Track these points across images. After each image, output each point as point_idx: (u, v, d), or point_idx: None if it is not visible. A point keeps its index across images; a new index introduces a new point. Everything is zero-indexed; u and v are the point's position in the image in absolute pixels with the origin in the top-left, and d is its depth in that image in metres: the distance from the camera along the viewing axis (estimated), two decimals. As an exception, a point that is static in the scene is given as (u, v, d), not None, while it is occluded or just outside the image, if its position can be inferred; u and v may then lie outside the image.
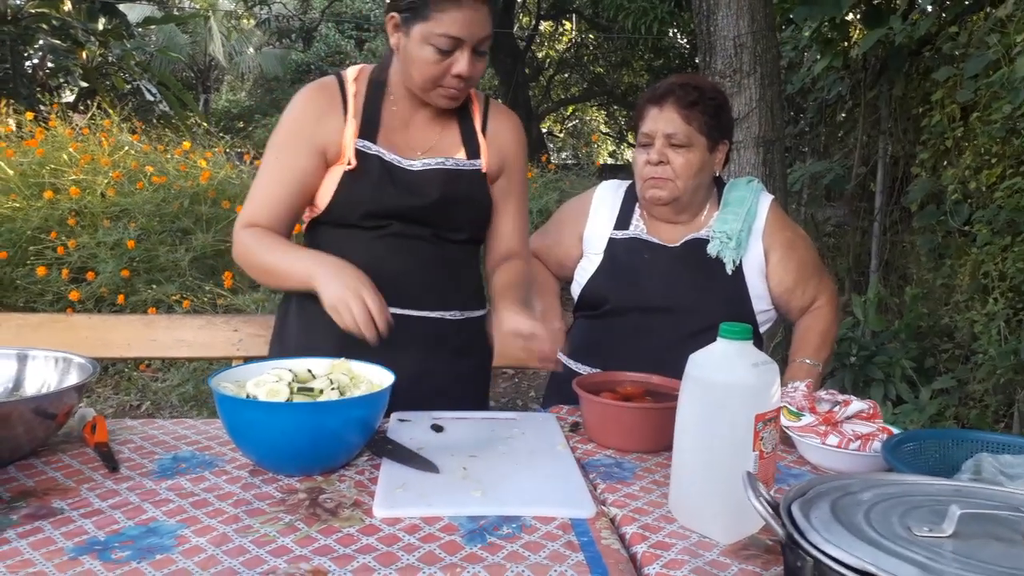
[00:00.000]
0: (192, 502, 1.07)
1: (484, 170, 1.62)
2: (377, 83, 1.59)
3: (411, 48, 1.46)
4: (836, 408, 1.36)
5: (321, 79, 1.61)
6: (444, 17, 1.40)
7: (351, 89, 1.57)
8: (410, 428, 1.38)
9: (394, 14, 1.47)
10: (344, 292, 1.35)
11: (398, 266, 1.56)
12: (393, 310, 1.44)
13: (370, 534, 0.99)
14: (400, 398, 1.36)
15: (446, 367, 1.60)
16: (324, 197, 1.56)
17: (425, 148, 1.59)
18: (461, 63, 1.45)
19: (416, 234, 1.56)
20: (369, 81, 1.59)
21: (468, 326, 1.66)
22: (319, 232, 1.62)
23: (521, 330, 1.38)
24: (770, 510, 0.82)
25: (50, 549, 0.92)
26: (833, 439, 1.28)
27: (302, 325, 1.61)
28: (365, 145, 1.54)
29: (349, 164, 1.53)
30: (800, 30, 5.46)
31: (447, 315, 1.61)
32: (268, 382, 1.22)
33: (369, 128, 1.55)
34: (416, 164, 1.57)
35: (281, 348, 1.66)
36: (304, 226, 1.67)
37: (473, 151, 1.62)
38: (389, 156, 1.55)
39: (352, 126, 1.55)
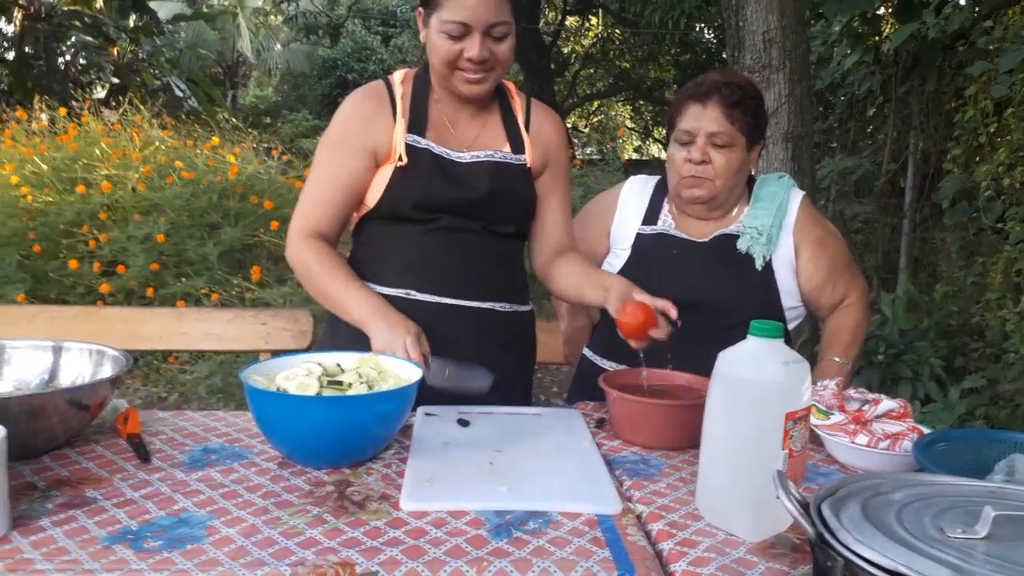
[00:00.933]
0: (222, 493, 1.09)
1: (529, 164, 1.65)
2: (422, 83, 1.63)
3: (431, 38, 1.52)
4: (866, 407, 1.34)
5: (370, 84, 1.66)
6: (451, 4, 1.46)
7: (399, 91, 1.61)
8: (436, 422, 1.39)
9: (420, 9, 1.54)
10: (387, 343, 1.44)
11: (449, 258, 1.60)
12: (444, 300, 1.56)
13: (397, 527, 1.00)
14: (469, 399, 1.42)
15: (494, 359, 1.61)
16: (374, 195, 1.59)
17: (471, 143, 1.63)
18: (472, 47, 1.48)
19: (465, 227, 1.59)
20: (414, 82, 1.64)
21: (516, 320, 1.68)
22: (369, 228, 1.65)
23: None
24: (800, 509, 0.81)
25: (84, 538, 0.94)
26: (862, 438, 1.27)
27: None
28: (415, 140, 1.58)
29: (400, 160, 1.56)
30: (830, 24, 5.39)
31: (496, 306, 1.63)
32: (298, 376, 1.24)
33: (417, 124, 1.60)
34: (465, 156, 1.60)
35: (334, 344, 1.68)
36: (353, 225, 1.70)
37: (518, 146, 1.65)
38: (438, 149, 1.59)
39: (402, 124, 1.58)
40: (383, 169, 1.59)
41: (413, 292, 1.58)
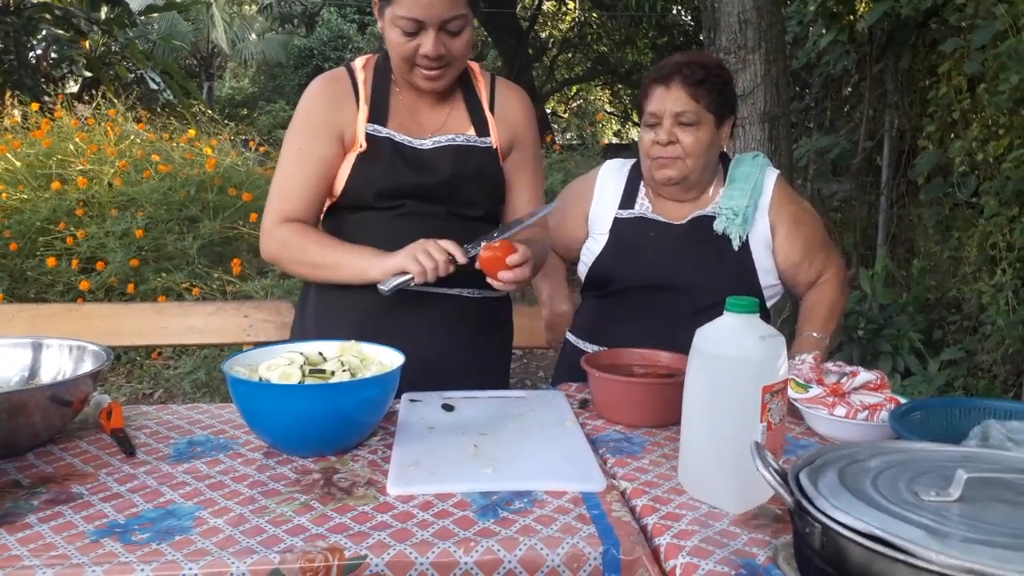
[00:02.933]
0: (208, 484, 1.09)
1: (495, 146, 1.64)
2: (383, 70, 1.62)
3: (386, 31, 1.50)
4: (843, 379, 1.36)
5: (330, 71, 1.65)
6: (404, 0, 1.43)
7: (360, 77, 1.60)
8: (421, 408, 1.40)
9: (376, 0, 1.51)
10: (414, 249, 1.44)
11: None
12: (411, 288, 1.51)
13: (384, 511, 1.01)
14: (421, 376, 1.41)
15: (466, 344, 1.61)
16: (339, 183, 1.59)
17: (435, 129, 1.62)
18: (426, 44, 1.46)
19: (431, 212, 1.58)
20: (375, 69, 1.62)
21: (488, 304, 1.67)
22: (336, 217, 1.65)
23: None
24: (778, 478, 0.83)
25: (71, 533, 0.94)
26: (841, 410, 1.29)
27: (322, 311, 1.63)
28: (375, 129, 1.57)
29: (361, 147, 1.56)
30: (805, 4, 5.41)
31: (465, 292, 1.62)
32: (280, 365, 1.24)
33: (379, 113, 1.59)
34: (427, 143, 1.59)
35: (302, 334, 1.68)
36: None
37: (483, 129, 1.64)
38: (400, 137, 1.58)
39: (364, 112, 1.58)
40: (347, 157, 1.58)
41: None
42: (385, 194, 1.56)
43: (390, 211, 1.58)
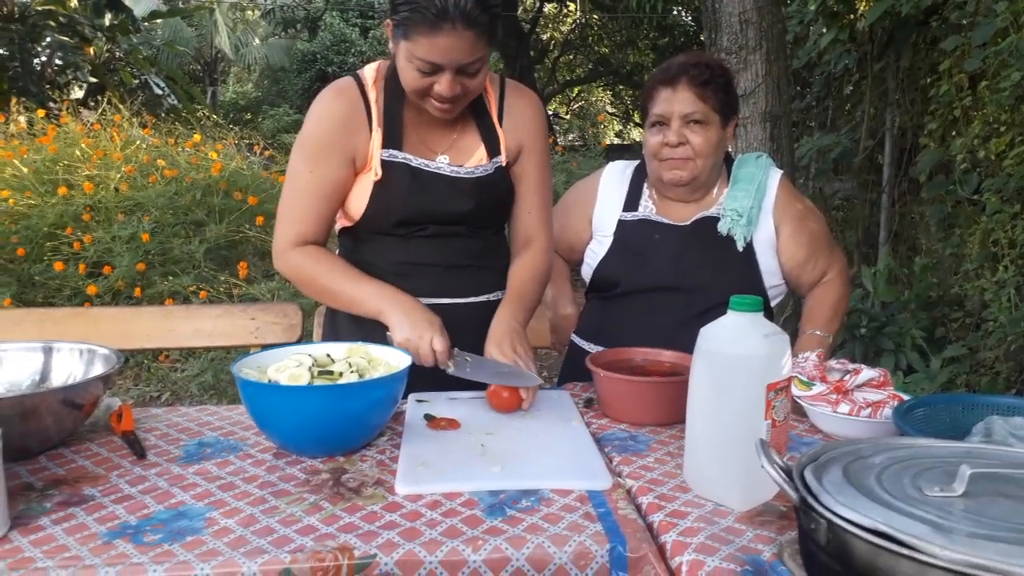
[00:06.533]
0: (219, 485, 1.10)
1: (504, 163, 1.62)
2: (394, 87, 1.55)
3: (399, 60, 1.45)
4: (847, 377, 1.37)
5: (339, 83, 1.58)
6: (423, 41, 1.37)
7: (372, 96, 1.55)
8: (428, 408, 1.41)
9: (390, 21, 1.45)
10: (413, 335, 1.43)
11: (435, 261, 1.59)
12: (438, 301, 1.55)
13: (393, 511, 1.02)
14: (428, 377, 1.43)
15: (471, 350, 1.61)
16: (357, 207, 1.57)
17: (446, 147, 1.59)
18: (442, 84, 1.42)
19: (451, 232, 1.59)
20: (386, 84, 1.56)
21: (492, 308, 1.63)
22: (354, 238, 1.64)
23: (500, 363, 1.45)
24: (783, 475, 0.84)
25: (84, 534, 0.96)
26: (844, 407, 1.30)
27: (353, 315, 1.60)
28: (391, 155, 1.54)
29: (376, 175, 1.53)
30: (805, 3, 5.42)
31: (470, 299, 1.64)
32: (289, 367, 1.25)
33: (393, 136, 1.55)
34: (444, 167, 1.57)
35: (334, 337, 1.68)
36: (337, 231, 1.68)
37: (493, 147, 1.61)
38: (416, 162, 1.55)
39: (378, 136, 1.54)
40: (363, 178, 1.55)
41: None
42: (405, 221, 1.56)
43: (411, 234, 1.58)
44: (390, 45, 1.50)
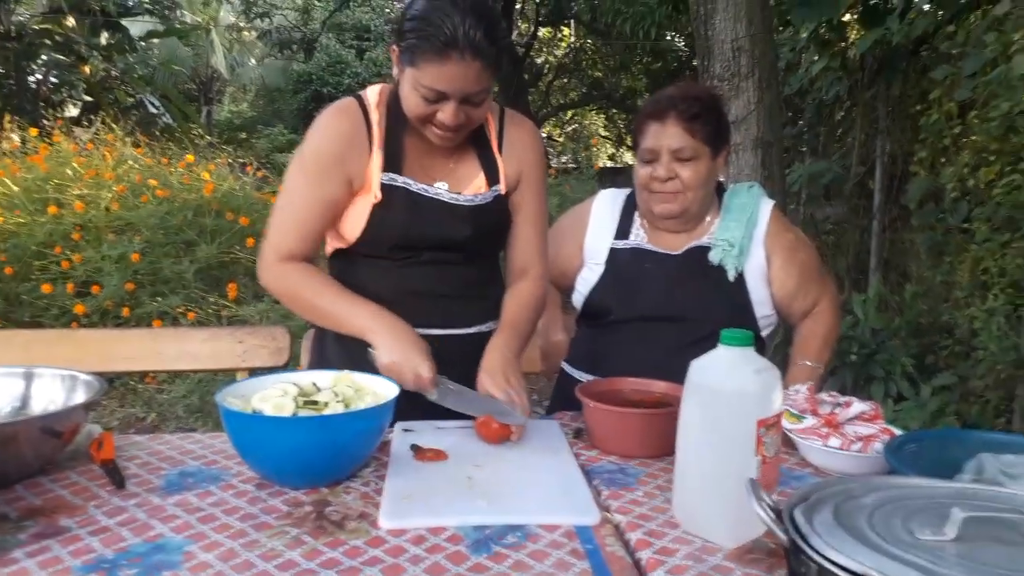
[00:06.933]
0: (199, 517, 1.08)
1: (503, 191, 1.61)
2: (396, 111, 1.54)
3: (404, 86, 1.45)
4: (837, 410, 1.36)
5: (342, 103, 1.57)
6: (430, 69, 1.38)
7: (374, 117, 1.54)
8: (415, 438, 1.39)
9: (395, 47, 1.45)
10: (400, 360, 1.41)
11: (430, 288, 1.57)
12: (431, 332, 1.51)
13: (376, 546, 1.00)
14: (416, 406, 1.41)
15: (460, 380, 1.59)
16: (354, 229, 1.55)
17: (446, 174, 1.59)
18: (445, 113, 1.43)
19: (447, 260, 1.58)
20: (388, 107, 1.56)
21: (482, 338, 1.60)
22: (347, 261, 1.62)
23: (493, 396, 1.42)
24: (773, 516, 0.82)
25: (58, 568, 0.93)
26: (835, 441, 1.29)
27: (341, 340, 1.59)
28: (391, 178, 1.53)
29: (375, 198, 1.52)
30: (798, 31, 5.48)
31: (484, 328, 1.62)
32: (273, 396, 1.23)
33: (393, 160, 1.54)
34: (443, 194, 1.56)
35: (321, 361, 1.66)
36: (328, 252, 1.66)
37: (493, 176, 1.61)
38: (416, 186, 1.54)
39: (378, 158, 1.53)
40: (360, 200, 1.54)
41: None
42: (402, 246, 1.54)
43: (406, 260, 1.56)
44: (394, 71, 1.50)
